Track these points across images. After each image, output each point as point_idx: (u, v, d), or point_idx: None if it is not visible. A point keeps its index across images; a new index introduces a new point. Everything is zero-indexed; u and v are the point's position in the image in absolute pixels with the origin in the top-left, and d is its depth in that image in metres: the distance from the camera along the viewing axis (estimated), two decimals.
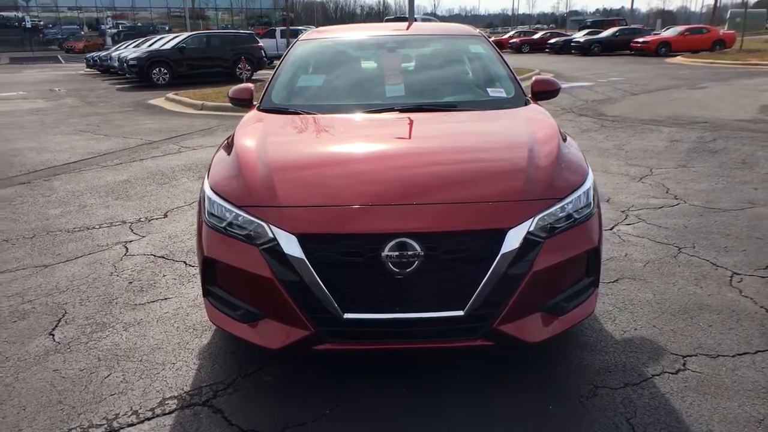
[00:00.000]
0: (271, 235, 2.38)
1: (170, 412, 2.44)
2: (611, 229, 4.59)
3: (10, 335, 3.13)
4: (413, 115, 3.32)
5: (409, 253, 2.29)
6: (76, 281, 3.84)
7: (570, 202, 2.55)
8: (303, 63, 4.11)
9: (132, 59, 18.56)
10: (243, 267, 2.44)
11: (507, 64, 3.94)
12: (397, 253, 2.29)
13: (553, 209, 2.48)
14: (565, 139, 3.01)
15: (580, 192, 2.61)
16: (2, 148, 8.74)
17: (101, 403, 2.51)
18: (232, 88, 3.96)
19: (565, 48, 33.62)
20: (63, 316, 3.34)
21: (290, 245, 2.35)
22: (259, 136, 3.01)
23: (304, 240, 2.35)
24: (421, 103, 3.52)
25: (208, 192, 2.67)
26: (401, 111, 3.39)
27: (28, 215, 5.35)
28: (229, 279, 2.58)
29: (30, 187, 6.37)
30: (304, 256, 2.34)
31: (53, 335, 3.12)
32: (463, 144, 2.96)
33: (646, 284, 3.60)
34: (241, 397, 2.54)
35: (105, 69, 24.51)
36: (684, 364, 2.73)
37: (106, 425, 2.37)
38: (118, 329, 3.17)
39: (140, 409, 2.47)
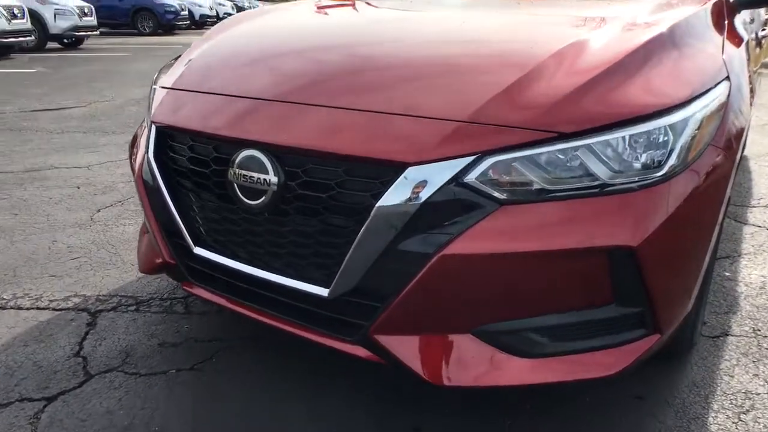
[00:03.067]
0: (148, 122, 1.80)
1: (58, 309, 2.15)
2: None
3: (76, 204, 3.27)
4: None
5: (258, 176, 1.44)
6: None
7: (593, 145, 1.30)
8: None
9: None
10: (132, 161, 1.93)
11: None
12: (244, 173, 1.47)
13: (539, 150, 1.29)
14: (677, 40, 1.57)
15: (632, 131, 1.31)
16: None
17: (35, 281, 2.37)
18: None
19: None
20: (127, 199, 3.37)
21: (151, 138, 1.74)
22: (254, 16, 2.34)
23: (161, 134, 1.71)
24: None
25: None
26: None
27: None
28: None
29: None
30: (152, 156, 1.70)
31: (98, 212, 3.15)
32: (470, 37, 1.76)
33: None
34: (129, 321, 2.08)
35: None
36: None
37: (6, 301, 2.21)
38: (140, 220, 3.03)
39: (45, 296, 2.24)
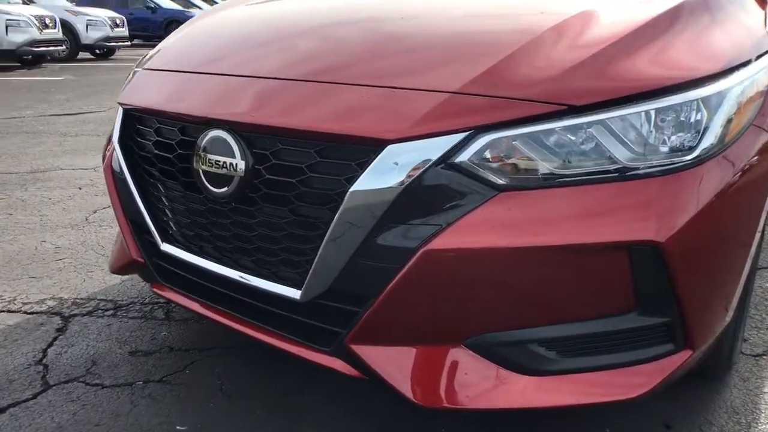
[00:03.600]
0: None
1: (30, 312, 1.99)
2: None
3: (74, 205, 3.15)
4: None
5: (224, 159, 1.26)
6: None
7: (609, 121, 1.08)
8: None
9: None
10: (105, 151, 1.77)
11: None
12: (210, 157, 1.29)
13: (545, 126, 1.09)
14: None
15: (657, 105, 1.09)
16: None
17: (12, 282, 2.22)
18: None
19: None
20: None
21: (117, 121, 1.58)
22: (235, 4, 2.15)
23: (128, 117, 1.55)
24: None
25: None
26: None
27: None
28: None
29: None
30: (117, 140, 1.54)
31: (94, 213, 3.02)
32: (468, 9, 1.53)
33: None
34: (103, 326, 1.91)
35: None
36: None
37: None
38: None
39: (19, 299, 2.09)
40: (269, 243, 1.27)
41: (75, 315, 1.99)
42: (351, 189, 1.09)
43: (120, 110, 1.56)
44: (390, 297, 1.11)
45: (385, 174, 1.07)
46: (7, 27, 9.90)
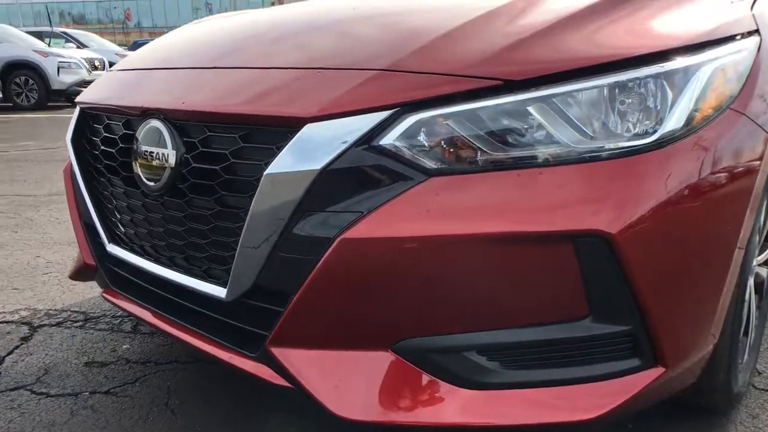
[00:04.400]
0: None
1: (1, 322, 1.96)
2: None
3: None
4: None
5: (157, 150, 1.20)
6: None
7: (554, 99, 0.97)
8: None
9: None
10: None
11: None
12: (145, 149, 1.23)
13: (480, 104, 0.97)
14: None
15: (609, 80, 0.98)
16: None
17: None
18: None
19: None
20: None
21: (73, 120, 1.55)
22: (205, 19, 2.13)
23: (81, 115, 1.52)
24: None
25: None
26: None
27: None
28: None
29: None
30: (69, 138, 1.51)
31: None
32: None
33: None
34: (67, 337, 1.85)
35: None
36: None
37: None
38: None
39: None
40: (198, 237, 1.18)
41: (44, 325, 1.94)
42: (265, 172, 1.00)
43: (77, 110, 1.53)
44: (308, 293, 1.00)
45: (302, 156, 0.98)
46: (59, 68, 10.45)
